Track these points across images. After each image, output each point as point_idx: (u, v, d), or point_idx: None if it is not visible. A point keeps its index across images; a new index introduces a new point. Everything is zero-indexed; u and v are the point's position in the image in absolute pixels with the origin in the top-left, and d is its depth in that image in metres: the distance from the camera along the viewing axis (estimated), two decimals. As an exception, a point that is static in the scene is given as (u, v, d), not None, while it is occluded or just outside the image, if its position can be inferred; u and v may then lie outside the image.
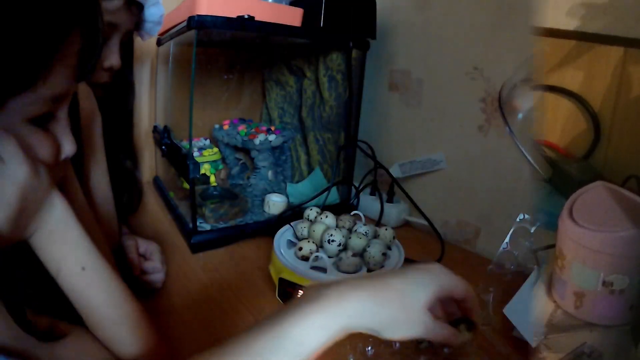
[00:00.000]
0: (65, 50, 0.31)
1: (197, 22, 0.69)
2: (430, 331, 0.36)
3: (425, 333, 0.36)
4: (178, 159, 0.81)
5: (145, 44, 1.06)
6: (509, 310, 0.52)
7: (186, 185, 0.96)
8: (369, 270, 0.60)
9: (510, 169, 0.76)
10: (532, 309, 0.51)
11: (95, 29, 0.33)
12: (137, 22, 0.65)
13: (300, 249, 0.62)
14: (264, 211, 0.92)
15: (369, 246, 0.61)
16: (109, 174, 0.58)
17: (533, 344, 0.45)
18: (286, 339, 0.32)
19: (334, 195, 0.96)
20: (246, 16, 0.72)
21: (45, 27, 0.29)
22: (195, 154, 1.06)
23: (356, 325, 0.34)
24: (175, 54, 0.97)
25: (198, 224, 0.81)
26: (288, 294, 0.59)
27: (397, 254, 0.66)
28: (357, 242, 0.63)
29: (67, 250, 0.38)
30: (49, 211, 0.37)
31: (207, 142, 1.16)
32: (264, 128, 1.07)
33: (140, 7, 0.63)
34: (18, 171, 0.32)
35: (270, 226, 0.79)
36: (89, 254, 0.40)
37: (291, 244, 0.68)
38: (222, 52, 1.15)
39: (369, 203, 0.96)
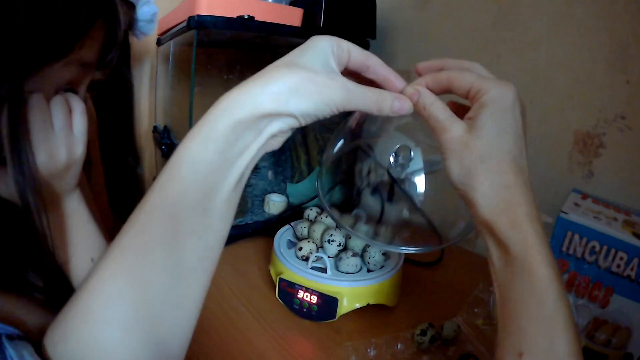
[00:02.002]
0: (93, 33, 0.37)
1: (197, 22, 0.69)
2: (351, 95, 0.31)
3: (345, 96, 0.31)
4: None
5: (145, 44, 1.06)
6: (510, 310, 0.52)
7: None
8: (369, 271, 0.60)
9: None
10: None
11: (115, 21, 0.39)
12: (130, 22, 0.66)
13: (300, 249, 0.62)
14: (264, 211, 0.92)
15: (368, 246, 0.61)
16: (111, 171, 0.59)
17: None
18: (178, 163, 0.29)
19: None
20: (246, 16, 0.72)
21: (79, 11, 0.35)
22: (195, 154, 1.06)
23: (242, 117, 0.29)
24: (175, 54, 0.97)
25: (198, 224, 0.81)
26: (288, 294, 0.59)
27: (397, 254, 0.66)
28: (357, 242, 0.63)
29: (79, 240, 0.41)
30: (68, 197, 0.42)
31: (207, 142, 1.15)
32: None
33: (132, 7, 0.64)
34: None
35: (270, 226, 0.79)
36: (99, 248, 0.44)
37: (291, 244, 0.68)
38: (222, 52, 1.15)
39: (369, 203, 0.96)
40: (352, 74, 0.35)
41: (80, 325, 0.28)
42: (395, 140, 0.39)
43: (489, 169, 0.31)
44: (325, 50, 0.32)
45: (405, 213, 0.40)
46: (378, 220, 0.43)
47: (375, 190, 0.42)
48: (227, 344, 0.52)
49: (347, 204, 0.42)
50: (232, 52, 1.17)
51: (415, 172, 0.38)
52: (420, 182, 0.39)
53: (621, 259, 0.46)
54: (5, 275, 0.35)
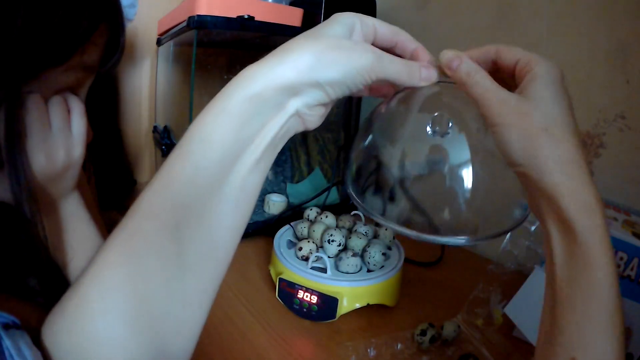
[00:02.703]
0: (96, 38, 0.36)
1: (197, 22, 0.69)
2: (380, 60, 0.28)
3: (375, 60, 0.28)
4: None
5: (146, 44, 1.07)
6: (510, 310, 0.52)
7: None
8: (369, 271, 0.60)
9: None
10: (533, 308, 0.51)
11: (118, 26, 0.38)
12: None
13: (300, 249, 0.62)
14: (264, 211, 0.92)
15: (368, 246, 0.61)
16: (105, 172, 0.59)
17: (534, 344, 0.45)
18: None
19: (334, 195, 0.96)
20: (246, 16, 0.72)
21: (81, 17, 0.34)
22: (195, 154, 1.06)
23: (258, 90, 0.27)
24: (175, 54, 0.97)
25: (198, 224, 0.81)
26: (288, 294, 0.59)
27: (397, 254, 0.66)
28: (357, 242, 0.63)
29: (78, 242, 0.41)
30: (66, 199, 0.42)
31: (207, 142, 1.15)
32: (264, 128, 1.07)
33: None
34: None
35: (270, 226, 0.79)
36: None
37: (291, 244, 0.68)
38: (222, 52, 1.15)
39: (369, 203, 0.96)
40: None
41: (78, 316, 0.27)
42: (426, 115, 0.34)
43: (554, 140, 0.27)
44: (349, 23, 0.29)
45: (447, 198, 0.35)
46: (415, 209, 0.38)
47: (407, 176, 0.37)
48: (227, 344, 0.52)
49: (381, 194, 0.38)
50: (232, 52, 1.17)
51: (457, 150, 0.33)
52: (464, 162, 0.33)
53: (621, 259, 0.47)
54: (5, 279, 0.35)
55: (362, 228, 0.69)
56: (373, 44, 0.31)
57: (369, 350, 0.51)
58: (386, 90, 0.36)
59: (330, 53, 0.27)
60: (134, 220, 0.27)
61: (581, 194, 0.26)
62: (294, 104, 0.28)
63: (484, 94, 0.29)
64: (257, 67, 0.27)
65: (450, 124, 0.33)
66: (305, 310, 0.57)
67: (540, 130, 0.27)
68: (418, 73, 0.31)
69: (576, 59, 0.68)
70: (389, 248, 0.66)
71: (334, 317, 0.56)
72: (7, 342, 0.25)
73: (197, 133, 0.27)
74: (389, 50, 0.32)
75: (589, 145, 0.67)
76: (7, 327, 0.26)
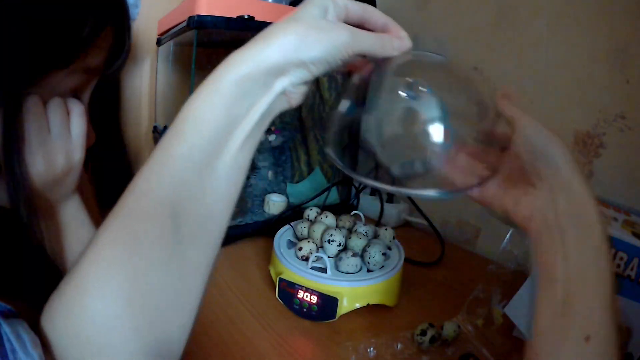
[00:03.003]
0: (100, 41, 0.36)
1: (197, 22, 0.69)
2: (355, 35, 0.31)
3: (351, 35, 0.31)
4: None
5: (146, 44, 1.07)
6: (510, 310, 0.52)
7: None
8: (369, 271, 0.60)
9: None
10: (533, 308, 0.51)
11: (124, 28, 0.38)
12: None
13: (300, 249, 0.62)
14: (264, 211, 0.92)
15: (368, 246, 0.61)
16: (105, 172, 0.59)
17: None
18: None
19: (334, 196, 0.96)
20: (246, 16, 0.72)
21: (85, 20, 0.34)
22: (195, 154, 1.06)
23: (247, 71, 0.29)
24: (175, 54, 0.97)
25: (198, 224, 0.81)
26: (288, 294, 0.59)
27: (397, 254, 0.66)
28: (357, 242, 0.63)
29: (79, 246, 0.41)
30: (67, 202, 0.41)
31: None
32: (264, 128, 1.07)
33: None
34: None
35: (270, 226, 0.79)
36: None
37: (291, 244, 0.68)
38: (222, 52, 1.15)
39: (369, 203, 0.96)
40: None
41: (76, 297, 0.27)
42: (398, 80, 0.38)
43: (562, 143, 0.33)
44: (323, 5, 0.32)
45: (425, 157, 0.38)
46: (388, 164, 0.41)
47: (382, 136, 0.40)
48: (227, 344, 0.52)
49: (358, 158, 0.41)
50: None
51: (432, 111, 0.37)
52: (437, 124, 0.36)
53: (621, 259, 0.46)
54: (5, 283, 0.35)
55: (362, 228, 0.69)
56: (345, 22, 0.33)
57: (369, 350, 0.51)
58: (360, 65, 0.38)
59: (311, 33, 0.29)
60: (131, 199, 0.28)
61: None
62: (281, 84, 0.30)
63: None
64: (245, 50, 0.30)
65: (420, 88, 0.36)
66: (305, 310, 0.57)
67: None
68: (390, 44, 0.34)
69: (576, 59, 0.68)
70: (389, 248, 0.66)
71: (334, 317, 0.56)
72: (6, 329, 0.25)
73: (191, 113, 0.29)
74: (360, 26, 0.34)
75: (589, 145, 0.67)
76: (5, 315, 0.26)
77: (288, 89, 0.30)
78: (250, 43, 0.30)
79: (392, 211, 0.93)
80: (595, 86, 0.66)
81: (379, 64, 0.36)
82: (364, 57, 0.34)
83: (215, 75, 0.29)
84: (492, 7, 0.78)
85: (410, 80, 0.37)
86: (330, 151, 0.38)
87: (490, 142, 0.38)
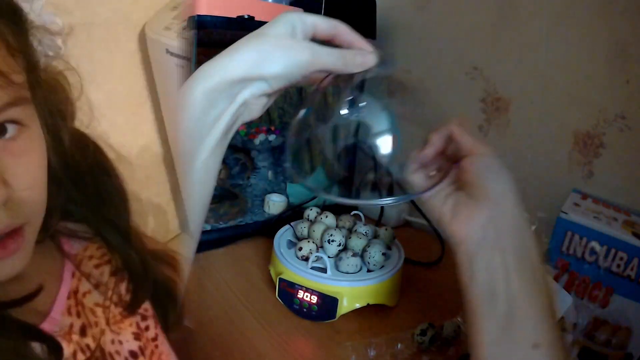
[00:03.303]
0: None
1: (197, 22, 0.69)
2: (316, 54, 0.33)
3: (311, 54, 0.33)
4: (178, 159, 0.81)
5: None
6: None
7: (186, 186, 0.96)
8: (369, 271, 0.60)
9: (510, 168, 0.76)
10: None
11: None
12: None
13: (300, 249, 0.62)
14: (264, 211, 0.92)
15: (368, 246, 0.61)
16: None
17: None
18: None
19: (334, 195, 0.96)
20: (246, 16, 0.72)
21: None
22: (195, 154, 1.06)
23: (213, 84, 0.31)
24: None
25: (198, 224, 0.81)
26: (288, 294, 0.59)
27: (397, 254, 0.66)
28: (357, 242, 0.63)
29: None
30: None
31: (207, 142, 1.15)
32: (264, 128, 1.07)
33: None
34: None
35: (270, 226, 0.79)
36: None
37: (291, 244, 0.68)
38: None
39: (369, 203, 0.96)
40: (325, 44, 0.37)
41: None
42: (349, 95, 0.40)
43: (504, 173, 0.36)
44: (291, 23, 0.34)
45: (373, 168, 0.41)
46: (340, 176, 0.43)
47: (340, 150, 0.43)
48: (227, 344, 0.52)
49: (315, 168, 0.43)
50: (232, 52, 1.17)
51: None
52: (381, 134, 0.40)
53: (621, 259, 0.47)
54: None
55: (362, 228, 0.69)
56: (314, 38, 0.35)
57: (369, 350, 0.51)
58: (324, 80, 0.39)
59: (272, 50, 0.32)
60: None
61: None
62: (242, 95, 0.32)
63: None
64: (213, 63, 0.32)
65: (364, 104, 0.39)
66: (305, 310, 0.57)
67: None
68: (353, 60, 0.35)
69: (576, 59, 0.68)
70: (389, 248, 0.66)
71: (334, 317, 0.56)
72: None
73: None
74: (330, 41, 0.36)
75: (589, 145, 0.67)
76: None
77: (249, 99, 0.33)
78: (217, 57, 0.32)
79: (392, 211, 0.92)
80: (595, 86, 0.66)
81: (343, 79, 0.38)
82: (329, 73, 0.36)
83: (187, 87, 0.31)
84: (492, 7, 0.78)
85: (351, 96, 0.39)
86: (290, 165, 0.39)
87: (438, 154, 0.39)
